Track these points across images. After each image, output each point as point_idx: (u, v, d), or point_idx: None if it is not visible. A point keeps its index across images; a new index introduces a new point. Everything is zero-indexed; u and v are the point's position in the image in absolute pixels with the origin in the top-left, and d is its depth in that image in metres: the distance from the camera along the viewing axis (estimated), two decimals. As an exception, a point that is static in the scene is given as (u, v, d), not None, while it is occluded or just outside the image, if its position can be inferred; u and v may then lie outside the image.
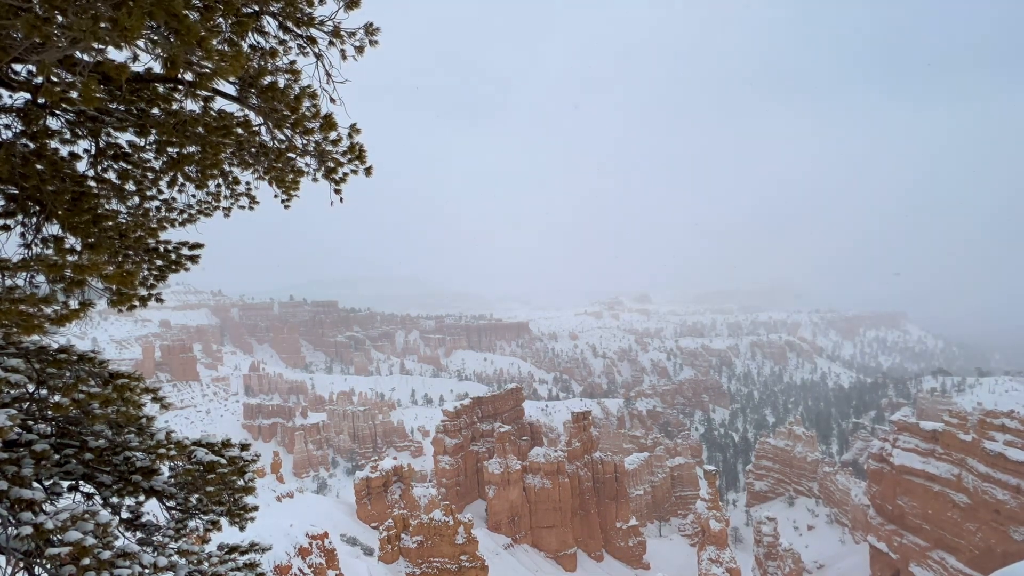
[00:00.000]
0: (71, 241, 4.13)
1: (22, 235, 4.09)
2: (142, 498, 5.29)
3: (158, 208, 5.00)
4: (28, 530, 3.79)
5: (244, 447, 5.80)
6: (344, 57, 4.34)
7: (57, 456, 4.83)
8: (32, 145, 3.98)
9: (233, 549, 5.51)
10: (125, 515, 5.27)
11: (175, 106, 4.31)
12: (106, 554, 3.97)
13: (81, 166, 4.27)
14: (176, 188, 4.90)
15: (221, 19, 3.70)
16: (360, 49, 4.33)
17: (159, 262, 4.79)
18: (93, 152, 4.33)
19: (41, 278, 4.05)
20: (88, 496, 5.09)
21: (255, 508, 5.80)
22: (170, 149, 4.50)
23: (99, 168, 4.40)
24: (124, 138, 4.43)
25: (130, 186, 4.63)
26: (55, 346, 5.05)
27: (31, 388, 4.80)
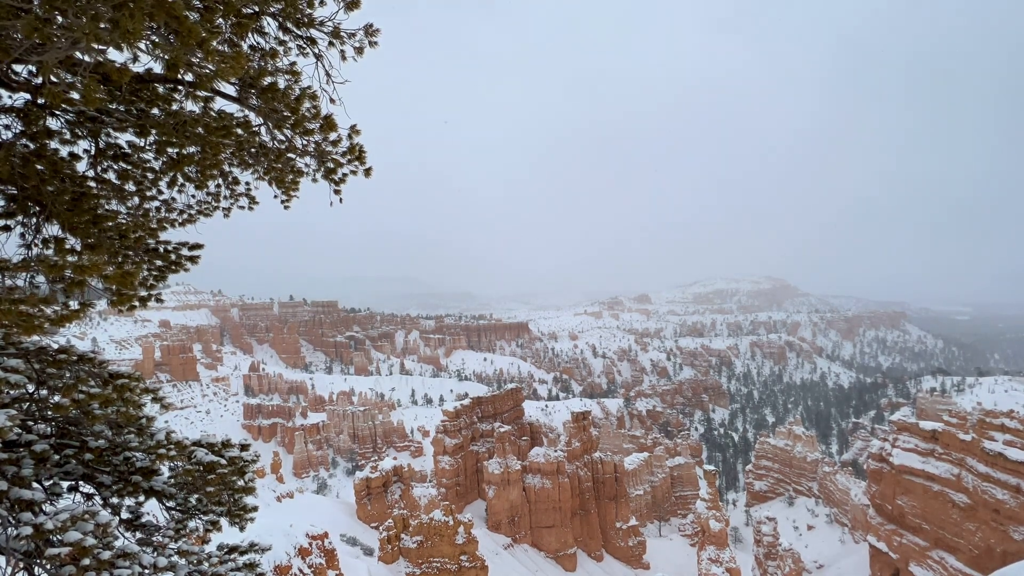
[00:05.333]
0: (71, 241, 4.13)
1: (22, 235, 4.09)
2: (142, 498, 5.29)
3: (158, 208, 5.00)
4: (28, 530, 3.79)
5: (244, 447, 5.80)
6: (344, 58, 4.35)
7: (57, 456, 4.83)
8: (32, 145, 3.98)
9: (233, 549, 5.51)
10: (125, 515, 5.27)
11: (175, 106, 4.31)
12: (106, 554, 3.97)
13: (81, 166, 4.27)
14: (176, 188, 4.90)
15: (221, 20, 3.70)
16: (360, 50, 4.33)
17: (159, 262, 4.78)
18: (93, 152, 4.33)
19: (41, 278, 4.05)
20: (88, 496, 5.08)
21: (255, 508, 5.80)
22: (170, 149, 4.50)
23: (99, 168, 4.40)
24: (124, 138, 4.43)
25: (130, 186, 4.63)
26: (55, 346, 5.04)
27: (31, 388, 4.79)
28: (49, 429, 5.04)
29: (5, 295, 3.91)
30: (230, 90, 4.34)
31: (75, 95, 3.61)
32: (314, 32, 4.25)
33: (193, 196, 5.09)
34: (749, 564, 65.11)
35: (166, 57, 3.55)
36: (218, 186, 5.14)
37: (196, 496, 5.51)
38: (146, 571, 4.39)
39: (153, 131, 4.31)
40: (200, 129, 4.38)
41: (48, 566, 3.86)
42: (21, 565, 3.88)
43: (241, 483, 5.63)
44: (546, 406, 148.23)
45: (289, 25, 4.17)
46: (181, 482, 5.41)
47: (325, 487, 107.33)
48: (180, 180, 4.83)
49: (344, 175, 5.06)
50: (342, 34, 4.25)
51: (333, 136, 4.83)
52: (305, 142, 4.85)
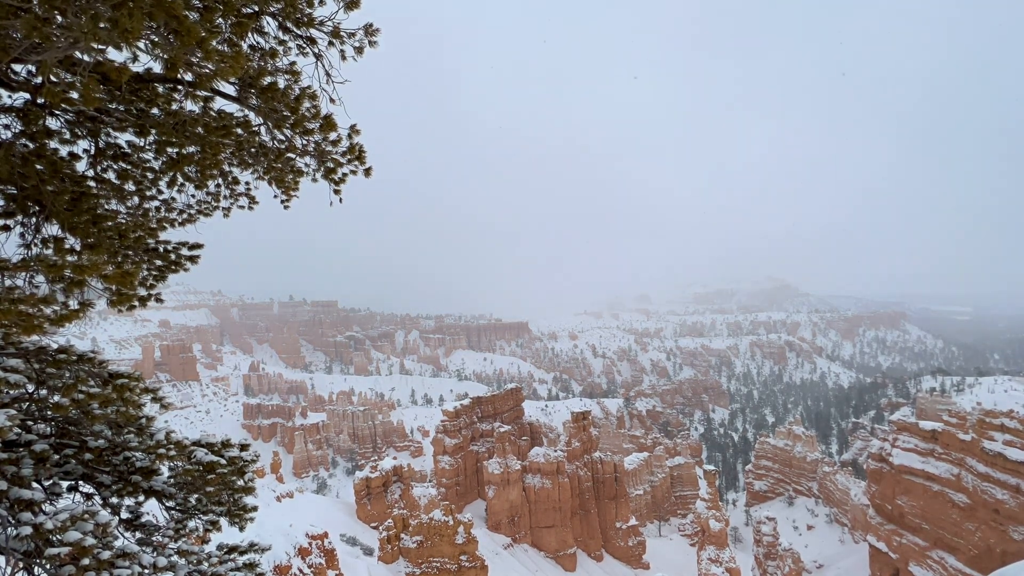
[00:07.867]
0: (71, 241, 4.13)
1: (22, 235, 4.09)
2: (142, 498, 5.29)
3: (158, 208, 5.00)
4: (28, 530, 3.79)
5: (244, 447, 5.80)
6: (344, 58, 4.35)
7: (57, 456, 4.82)
8: (32, 145, 3.97)
9: (233, 549, 5.51)
10: (125, 515, 5.27)
11: (175, 106, 4.31)
12: (106, 554, 3.97)
13: (81, 166, 4.26)
14: (176, 188, 4.90)
15: (221, 19, 3.70)
16: (360, 50, 4.33)
17: (159, 262, 4.78)
18: (93, 152, 4.33)
19: (41, 278, 4.05)
20: (88, 496, 5.08)
21: (255, 508, 5.80)
22: (170, 149, 4.50)
23: (99, 168, 4.40)
24: (124, 138, 4.43)
25: (130, 186, 4.63)
26: (55, 346, 5.04)
27: (31, 388, 4.79)
28: (49, 429, 5.04)
29: (5, 295, 3.91)
30: (230, 90, 4.34)
31: (74, 95, 3.60)
32: (314, 32, 4.25)
33: (193, 196, 5.09)
34: (749, 564, 65.14)
35: (165, 57, 3.54)
36: (218, 186, 5.14)
37: (196, 496, 5.51)
38: (146, 571, 4.39)
39: (153, 131, 4.31)
40: (200, 129, 4.38)
41: (48, 566, 3.86)
42: (21, 565, 3.88)
43: (241, 483, 5.63)
44: (546, 406, 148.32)
45: (289, 25, 4.17)
46: (181, 482, 5.41)
47: (325, 487, 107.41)
48: (180, 180, 4.83)
49: (344, 175, 5.06)
50: (342, 34, 4.25)
51: (333, 136, 4.83)
52: (305, 142, 4.85)
